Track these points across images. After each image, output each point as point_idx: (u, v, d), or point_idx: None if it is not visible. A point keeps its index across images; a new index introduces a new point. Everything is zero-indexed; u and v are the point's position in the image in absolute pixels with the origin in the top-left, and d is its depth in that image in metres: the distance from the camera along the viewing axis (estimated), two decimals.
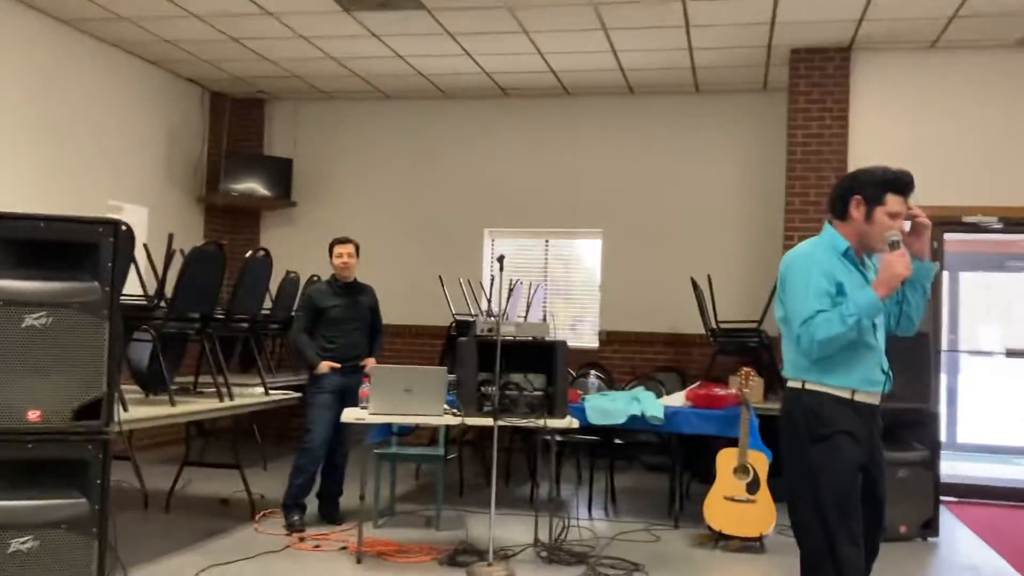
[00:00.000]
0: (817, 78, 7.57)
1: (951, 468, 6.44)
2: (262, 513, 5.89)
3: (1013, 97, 7.34)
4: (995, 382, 10.10)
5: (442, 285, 8.34)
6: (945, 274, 8.56)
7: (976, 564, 5.47)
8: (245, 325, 6.07)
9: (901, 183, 3.13)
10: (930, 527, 5.99)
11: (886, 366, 3.21)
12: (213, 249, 5.24)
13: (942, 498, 6.19)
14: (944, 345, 8.33)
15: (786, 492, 3.25)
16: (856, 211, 3.16)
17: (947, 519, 6.33)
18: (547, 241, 9.42)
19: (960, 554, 5.73)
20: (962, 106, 7.39)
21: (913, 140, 7.25)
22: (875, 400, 3.17)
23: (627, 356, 8.87)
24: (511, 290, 7.54)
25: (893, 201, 3.10)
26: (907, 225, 3.19)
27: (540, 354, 5.25)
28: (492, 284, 8.47)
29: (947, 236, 7.52)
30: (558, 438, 5.69)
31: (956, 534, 6.20)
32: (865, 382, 3.13)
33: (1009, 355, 8.24)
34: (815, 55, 7.57)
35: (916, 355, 5.90)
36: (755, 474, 5.53)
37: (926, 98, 7.41)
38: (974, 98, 7.38)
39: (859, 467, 3.12)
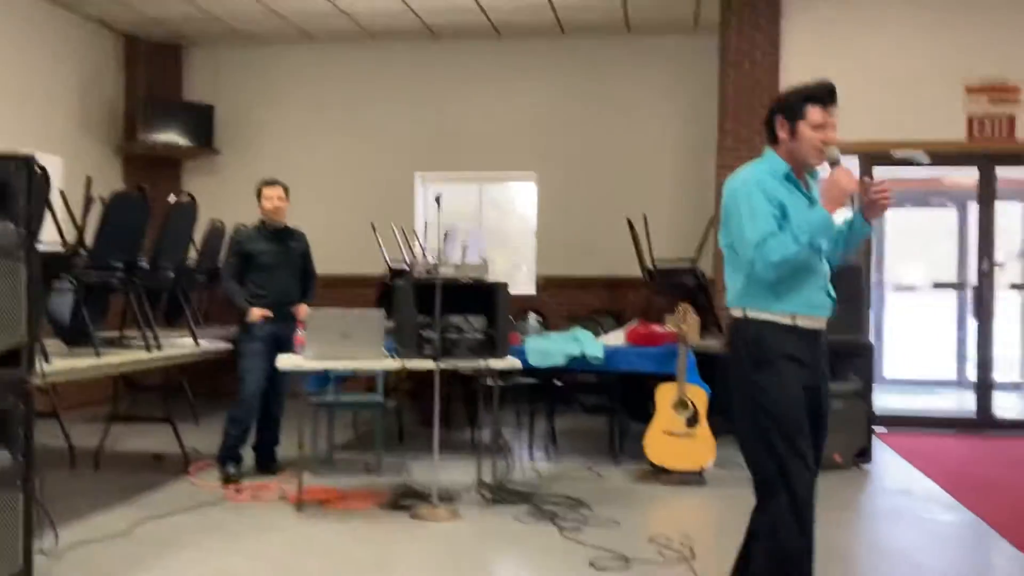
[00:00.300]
0: (748, 15, 7.55)
1: (878, 401, 6.60)
2: (196, 466, 5.74)
3: (942, 33, 7.43)
4: (917, 317, 10.38)
5: (375, 233, 8.17)
6: None
7: (909, 488, 5.63)
8: (171, 275, 5.84)
9: (819, 93, 3.10)
10: (864, 455, 6.14)
11: (831, 290, 3.21)
12: (136, 194, 5.02)
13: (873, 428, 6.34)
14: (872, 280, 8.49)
15: (735, 422, 3.24)
16: (782, 131, 3.14)
17: (879, 448, 6.49)
18: (481, 187, 9.30)
19: (893, 479, 5.89)
20: (892, 41, 7.46)
21: (845, 76, 7.12)
22: (819, 325, 3.17)
23: (564, 301, 8.84)
24: (446, 235, 7.41)
25: (814, 112, 3.08)
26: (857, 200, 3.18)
27: (480, 296, 5.16)
28: (426, 229, 8.34)
29: (876, 171, 7.62)
30: (499, 382, 5.63)
31: (888, 461, 6.37)
32: (808, 306, 3.12)
33: (936, 287, 8.46)
34: None
35: (850, 288, 5.98)
36: (694, 408, 5.57)
37: (857, 34, 7.47)
38: (904, 33, 7.46)
39: (805, 391, 3.12)
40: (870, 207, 3.20)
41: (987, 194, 7.73)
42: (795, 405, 3.08)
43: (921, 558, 4.30)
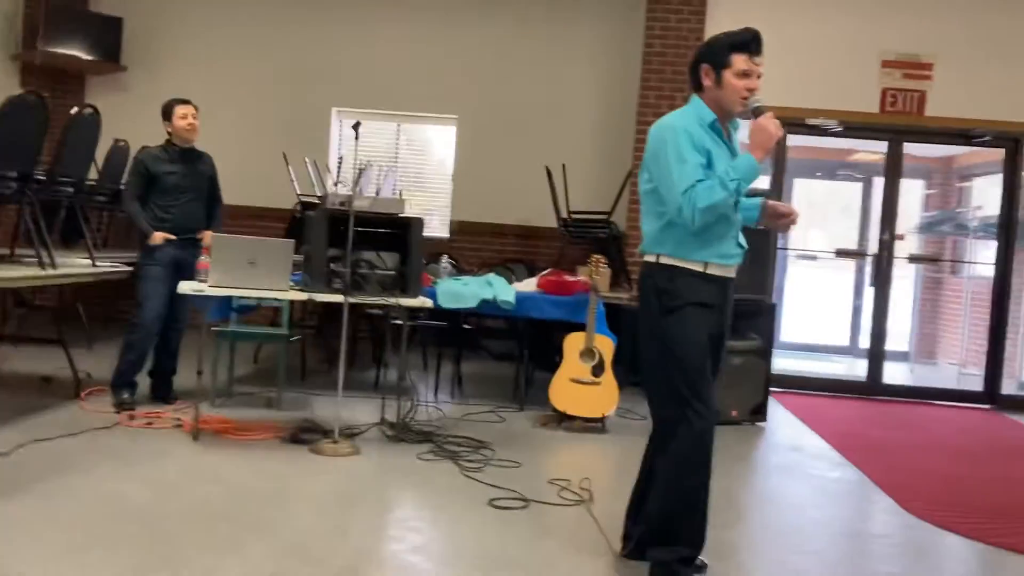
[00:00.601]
0: None
1: (774, 363, 6.78)
2: (88, 391, 5.53)
3: (863, 6, 7.56)
4: (816, 285, 10.69)
5: (287, 163, 7.94)
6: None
7: (801, 446, 5.81)
8: (70, 190, 5.56)
9: (744, 41, 3.12)
10: (760, 412, 6.31)
11: (742, 241, 3.25)
12: (33, 99, 4.73)
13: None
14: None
15: (642, 364, 3.28)
16: (707, 79, 3.16)
17: (773, 406, 6.68)
18: (399, 127, 9.12)
19: (786, 437, 6.07)
20: (813, 8, 7.56)
21: (765, 39, 7.35)
22: (729, 273, 3.21)
23: (477, 247, 8.79)
24: (361, 172, 7.25)
25: (739, 60, 3.10)
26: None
27: (394, 233, 5.07)
28: (341, 163, 8.15)
29: (790, 139, 7.77)
30: (407, 322, 5.57)
31: (782, 420, 6.57)
32: (721, 256, 3.16)
33: (838, 255, 8.71)
34: None
35: (758, 249, 6.09)
36: (600, 358, 5.62)
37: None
38: (827, 4, 7.56)
39: (709, 336, 3.16)
40: (776, 219, 3.29)
41: (894, 167, 7.95)
42: (700, 351, 3.13)
43: (809, 510, 4.46)
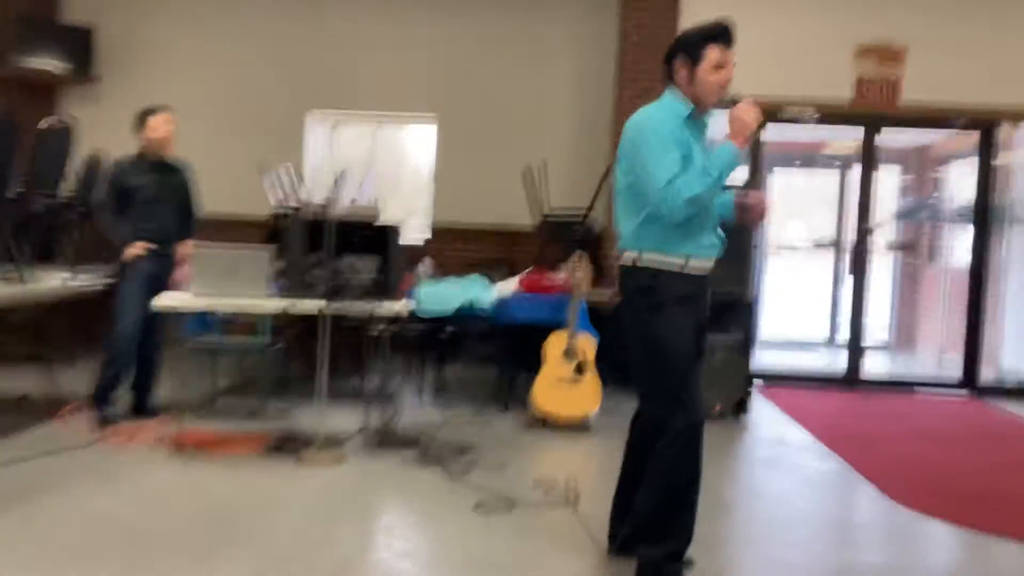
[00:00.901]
0: None
1: (756, 357, 6.80)
2: (67, 408, 5.46)
3: None
4: (795, 279, 10.75)
5: (261, 174, 7.88)
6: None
7: (785, 439, 5.83)
8: (43, 204, 5.50)
9: (717, 33, 3.13)
10: (743, 407, 6.33)
11: (720, 232, 3.26)
12: (2, 117, 4.66)
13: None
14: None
15: (630, 363, 3.27)
16: (682, 71, 3.16)
17: (757, 400, 6.70)
18: (375, 130, 9.08)
19: (770, 430, 6.09)
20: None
21: (739, 30, 7.39)
22: (709, 265, 3.22)
23: (457, 249, 8.75)
24: (339, 176, 7.23)
25: (713, 52, 3.12)
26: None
27: (372, 238, 5.05)
28: (318, 169, 8.12)
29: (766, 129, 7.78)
30: (389, 327, 5.55)
31: (765, 413, 6.58)
32: (700, 248, 3.16)
33: (817, 246, 8.74)
34: None
35: (737, 244, 6.10)
36: (583, 357, 5.62)
37: None
38: None
39: (693, 330, 3.17)
40: (745, 213, 3.28)
41: (870, 155, 8.00)
42: (686, 347, 3.14)
43: (796, 501, 4.48)
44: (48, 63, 8.44)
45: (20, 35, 8.29)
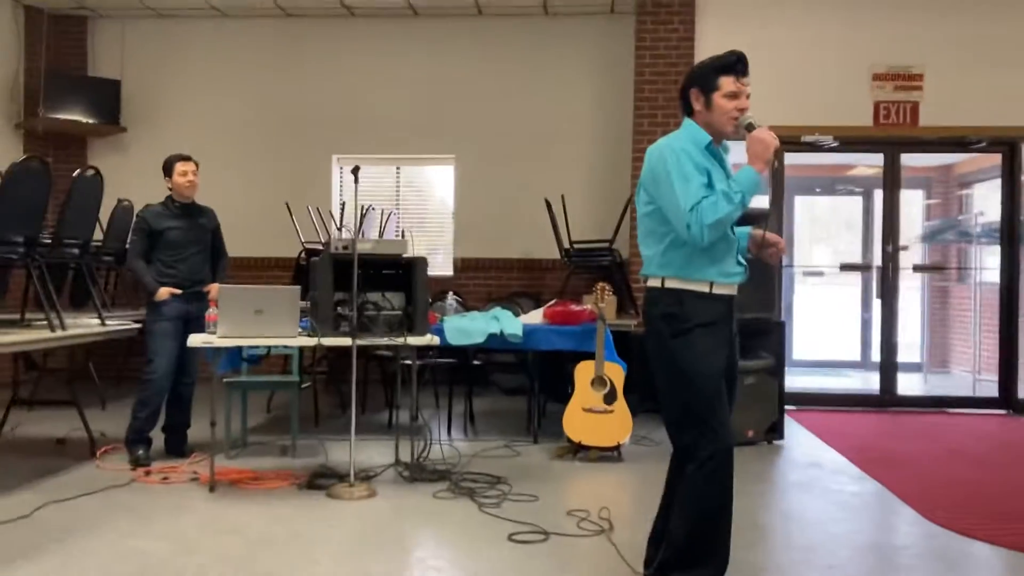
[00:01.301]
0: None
1: (787, 381, 6.76)
2: (103, 450, 5.54)
3: (851, 20, 7.64)
4: (824, 301, 10.69)
5: (290, 212, 8.01)
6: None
7: (819, 462, 5.78)
8: (76, 251, 5.62)
9: (730, 63, 3.15)
10: (775, 431, 6.28)
11: (742, 258, 3.27)
12: (37, 165, 4.79)
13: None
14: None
15: (657, 390, 3.27)
16: (697, 102, 3.19)
17: (789, 424, 6.65)
18: (398, 168, 9.20)
19: (804, 454, 6.03)
20: (801, 28, 7.65)
21: (756, 60, 7.41)
22: (732, 291, 3.22)
23: (482, 282, 8.83)
24: (364, 215, 7.32)
25: (727, 82, 3.13)
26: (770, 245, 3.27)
27: (398, 274, 5.10)
28: (343, 209, 8.23)
29: (786, 156, 7.80)
30: (416, 361, 5.59)
31: (798, 437, 6.53)
32: (724, 274, 3.17)
33: (843, 269, 8.69)
34: None
35: (762, 267, 6.10)
36: (612, 385, 5.62)
37: (768, 19, 7.64)
38: (812, 20, 7.65)
39: (721, 355, 3.16)
40: (761, 250, 3.29)
41: (892, 179, 7.98)
42: (713, 372, 3.13)
43: (831, 525, 4.43)
44: (78, 115, 8.65)
45: (50, 89, 8.52)
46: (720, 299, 3.16)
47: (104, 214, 6.61)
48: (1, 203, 4.57)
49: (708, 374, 3.12)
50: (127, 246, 6.42)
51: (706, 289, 3.14)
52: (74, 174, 5.37)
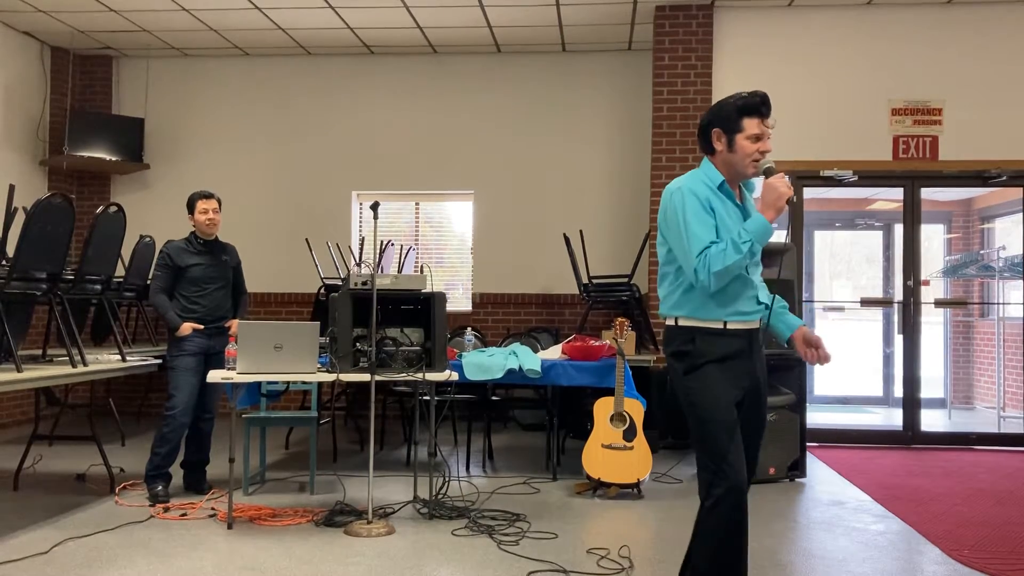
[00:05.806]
0: (681, 35, 7.70)
1: (809, 417, 6.69)
2: (122, 486, 5.56)
3: (865, 53, 7.66)
4: (845, 337, 10.62)
5: (310, 248, 8.07)
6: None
7: (842, 500, 5.70)
8: (98, 287, 5.67)
9: (754, 105, 3.14)
10: (797, 468, 6.21)
11: (763, 297, 3.24)
12: (60, 202, 4.84)
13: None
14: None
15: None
16: (718, 143, 3.18)
17: (811, 461, 6.57)
18: (417, 204, 9.26)
19: (826, 492, 5.96)
20: (819, 62, 7.67)
21: (775, 95, 7.44)
22: (751, 325, 3.19)
23: (501, 318, 8.84)
24: (383, 250, 7.36)
25: (750, 124, 3.12)
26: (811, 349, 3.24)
27: (417, 308, 5.11)
28: (363, 244, 8.27)
29: (806, 191, 7.80)
30: (435, 397, 5.58)
31: (821, 474, 6.45)
32: (738, 315, 3.14)
33: (864, 304, 8.63)
34: (679, 12, 7.69)
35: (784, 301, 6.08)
36: (631, 421, 5.58)
37: (785, 55, 7.66)
38: (829, 55, 7.67)
39: (735, 392, 3.12)
40: (803, 350, 3.26)
41: (912, 213, 7.95)
42: (724, 409, 3.10)
43: (855, 565, 4.35)
44: (101, 152, 8.77)
45: (75, 127, 8.65)
46: (736, 334, 3.14)
47: (126, 250, 6.68)
48: (25, 239, 4.61)
49: (718, 411, 3.08)
50: (149, 282, 6.49)
51: (719, 326, 3.12)
52: (97, 211, 5.42)
